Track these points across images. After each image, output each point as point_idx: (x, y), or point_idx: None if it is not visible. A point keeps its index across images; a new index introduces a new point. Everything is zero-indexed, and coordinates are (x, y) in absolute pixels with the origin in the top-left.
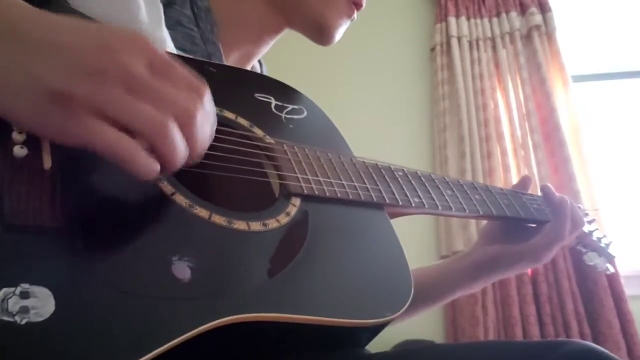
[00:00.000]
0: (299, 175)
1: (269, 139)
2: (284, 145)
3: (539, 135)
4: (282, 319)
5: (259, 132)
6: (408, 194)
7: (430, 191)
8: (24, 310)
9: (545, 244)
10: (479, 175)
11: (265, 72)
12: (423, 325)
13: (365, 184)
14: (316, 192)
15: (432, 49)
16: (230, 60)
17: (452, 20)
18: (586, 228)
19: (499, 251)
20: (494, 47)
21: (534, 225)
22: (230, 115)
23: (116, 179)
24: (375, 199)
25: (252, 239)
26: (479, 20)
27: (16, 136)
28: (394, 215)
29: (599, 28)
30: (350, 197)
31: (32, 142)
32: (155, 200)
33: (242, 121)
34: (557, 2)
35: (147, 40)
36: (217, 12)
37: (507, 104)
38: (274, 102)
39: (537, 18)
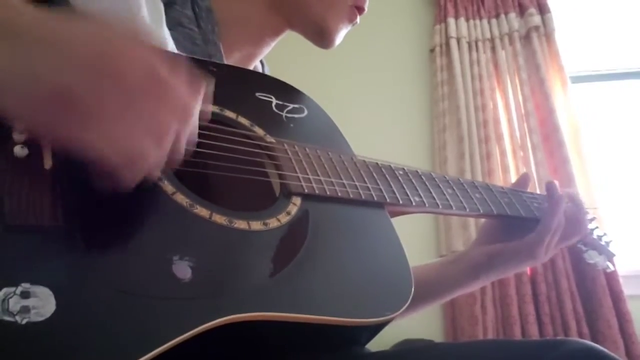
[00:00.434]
0: (300, 175)
1: (269, 138)
2: (285, 145)
3: (538, 135)
4: (282, 318)
5: (259, 131)
6: (409, 192)
7: (431, 190)
8: (25, 310)
9: (537, 238)
10: (478, 176)
11: (267, 73)
12: (422, 324)
13: (365, 182)
14: (317, 191)
15: (432, 50)
16: (231, 60)
17: (451, 21)
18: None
19: (496, 250)
20: (493, 48)
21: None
22: (231, 114)
23: None
24: (375, 198)
25: (253, 239)
26: (478, 21)
27: (17, 136)
28: (395, 214)
29: (598, 29)
30: (351, 196)
31: (33, 142)
32: (156, 200)
33: (243, 120)
34: (556, 3)
35: (147, 46)
36: (218, 13)
37: (506, 105)
38: (274, 101)
39: (536, 19)
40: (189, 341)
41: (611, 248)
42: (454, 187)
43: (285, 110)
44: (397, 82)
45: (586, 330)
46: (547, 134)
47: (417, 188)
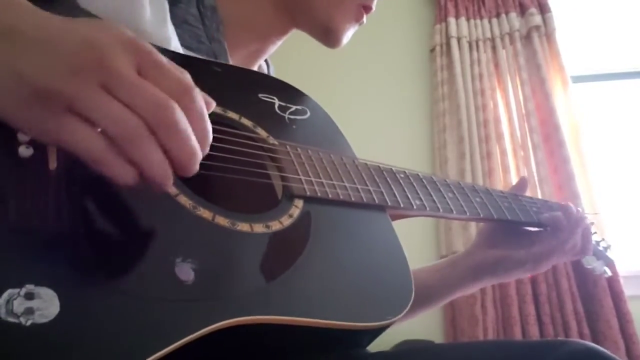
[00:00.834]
0: (302, 177)
1: (272, 140)
2: (287, 147)
3: (538, 135)
4: (284, 322)
5: (262, 132)
6: (410, 196)
7: (432, 193)
8: (29, 311)
9: (547, 254)
10: (479, 176)
11: (272, 73)
12: (422, 325)
13: (367, 186)
14: (319, 194)
15: (432, 50)
16: (236, 59)
17: (451, 20)
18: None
19: (501, 256)
20: (494, 48)
21: (532, 228)
22: (233, 115)
23: None
24: (377, 201)
25: (255, 241)
26: (478, 21)
27: (21, 136)
28: (396, 217)
29: (599, 29)
30: (353, 199)
31: (38, 142)
32: (159, 201)
33: (246, 122)
34: (557, 2)
35: (136, 40)
36: (223, 11)
37: (507, 105)
38: (277, 103)
39: (537, 19)
40: (192, 343)
41: (609, 253)
42: (455, 191)
43: (287, 112)
44: (397, 81)
45: (587, 331)
46: (547, 133)
47: (418, 191)
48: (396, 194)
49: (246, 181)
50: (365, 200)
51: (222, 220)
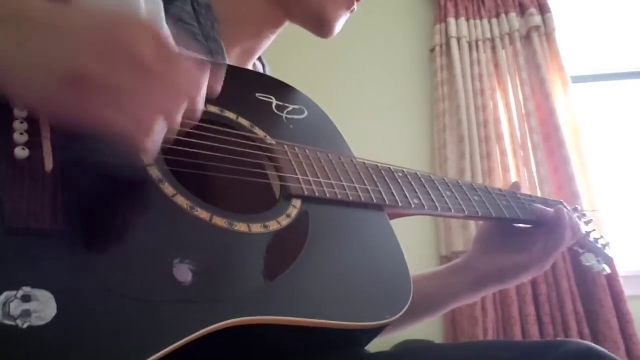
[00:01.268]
0: (300, 177)
1: (270, 140)
2: (285, 146)
3: (538, 135)
4: (283, 322)
5: (260, 132)
6: (408, 195)
7: (430, 192)
8: (26, 314)
9: (547, 254)
10: (479, 176)
11: (268, 73)
12: (423, 325)
13: (365, 185)
14: (317, 194)
15: (432, 50)
16: (232, 56)
17: (451, 21)
18: (583, 229)
19: (505, 263)
20: (494, 48)
21: (529, 225)
22: (231, 115)
23: (117, 181)
24: (375, 201)
25: (253, 241)
26: (478, 21)
27: (18, 138)
28: (394, 216)
29: (599, 29)
30: (351, 198)
31: (34, 144)
32: (156, 202)
33: (243, 122)
34: (557, 3)
35: (155, 27)
36: (217, 8)
37: (507, 105)
38: (275, 102)
39: (537, 19)
40: (190, 345)
41: (608, 251)
42: (453, 190)
43: (285, 112)
44: (398, 82)
45: (587, 331)
46: (547, 134)
47: (417, 190)
48: (394, 193)
49: (244, 181)
50: (363, 199)
51: (219, 221)
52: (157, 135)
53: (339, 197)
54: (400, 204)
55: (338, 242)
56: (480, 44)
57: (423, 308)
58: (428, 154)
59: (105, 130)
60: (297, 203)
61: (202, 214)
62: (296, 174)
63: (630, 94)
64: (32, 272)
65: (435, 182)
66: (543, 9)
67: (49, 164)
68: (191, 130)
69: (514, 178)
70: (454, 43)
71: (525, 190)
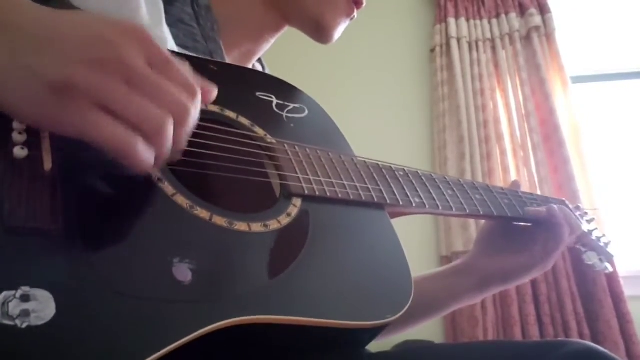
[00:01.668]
0: (300, 176)
1: (270, 139)
2: (285, 145)
3: (538, 136)
4: (283, 321)
5: (260, 131)
6: (409, 194)
7: (431, 191)
8: (25, 313)
9: (548, 253)
10: (479, 176)
11: (266, 71)
12: (423, 325)
13: (366, 184)
14: (317, 193)
15: (432, 50)
16: (231, 58)
17: (451, 21)
18: (585, 227)
19: (508, 263)
20: (494, 48)
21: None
22: (231, 114)
23: (116, 180)
24: (376, 199)
25: (253, 241)
26: (478, 22)
27: (17, 137)
28: (395, 215)
29: (598, 29)
30: (351, 197)
31: (33, 143)
32: (156, 202)
33: (243, 120)
34: (557, 3)
35: (146, 33)
36: (217, 10)
37: (507, 105)
38: (275, 101)
39: (537, 19)
40: (190, 344)
41: (610, 249)
42: (454, 188)
43: (285, 110)
44: (398, 82)
45: (587, 331)
46: (547, 134)
47: (418, 189)
48: (395, 191)
49: (244, 180)
50: (364, 198)
51: (219, 220)
52: (154, 144)
53: (340, 195)
54: (401, 203)
55: (339, 241)
56: (480, 44)
57: (425, 309)
58: (428, 154)
59: (98, 142)
60: (298, 202)
61: (202, 213)
62: (296, 173)
63: (630, 94)
64: (31, 272)
65: (437, 180)
66: (543, 9)
67: (47, 163)
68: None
69: (514, 178)
70: (454, 43)
71: (525, 190)
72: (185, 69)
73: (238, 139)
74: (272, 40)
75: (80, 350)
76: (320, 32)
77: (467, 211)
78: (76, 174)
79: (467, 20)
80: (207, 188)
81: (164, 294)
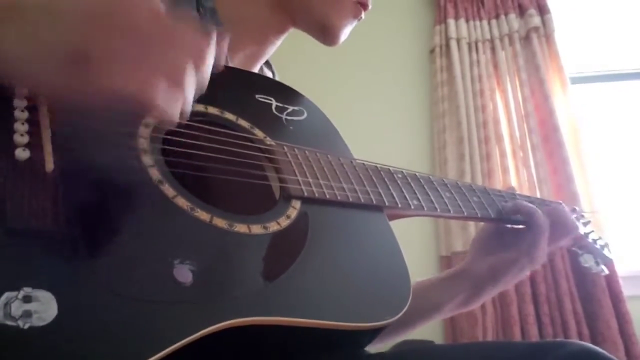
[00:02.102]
0: (300, 178)
1: (269, 141)
2: (285, 147)
3: (537, 136)
4: (282, 323)
5: (259, 133)
6: (407, 196)
7: (429, 194)
8: (27, 314)
9: (534, 245)
10: (478, 177)
11: (277, 77)
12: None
13: (365, 186)
14: (316, 195)
15: (431, 51)
16: (236, 60)
17: (451, 22)
18: (582, 230)
19: (496, 261)
20: (493, 49)
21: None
22: (231, 116)
23: (118, 182)
24: (374, 202)
25: (253, 242)
26: (477, 22)
27: (18, 139)
28: (394, 217)
29: (598, 30)
30: (350, 199)
31: (35, 145)
32: (157, 203)
33: (243, 123)
34: (556, 3)
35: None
36: (221, 13)
37: (506, 106)
38: (274, 104)
39: (536, 20)
40: (190, 345)
41: (606, 252)
42: (452, 191)
43: (285, 113)
44: (397, 82)
45: (586, 331)
46: (546, 134)
47: (416, 192)
48: (394, 194)
49: (244, 182)
50: (362, 200)
51: (219, 222)
52: (170, 93)
53: (339, 198)
54: (399, 205)
55: (337, 243)
56: (480, 44)
57: (422, 314)
58: (427, 154)
59: (116, 99)
60: (297, 204)
61: (202, 214)
62: (296, 175)
63: (630, 94)
64: (33, 273)
65: (434, 183)
66: (542, 10)
67: (49, 165)
68: (192, 132)
69: (513, 178)
70: (453, 44)
71: (525, 191)
72: (192, 29)
73: (237, 141)
74: (278, 43)
75: (82, 351)
76: (326, 34)
77: (465, 214)
78: (78, 176)
79: (467, 21)
80: (207, 190)
81: (165, 295)
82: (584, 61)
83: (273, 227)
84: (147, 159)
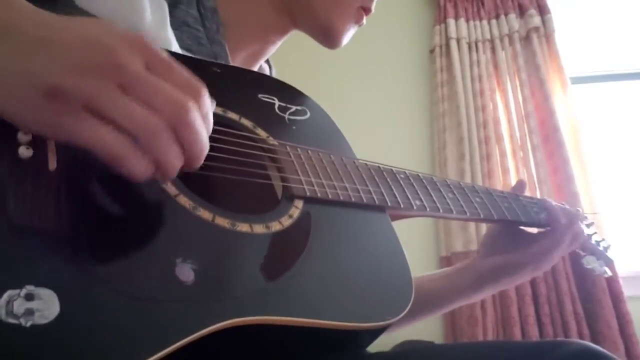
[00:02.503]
0: (302, 178)
1: (272, 141)
2: (287, 147)
3: (537, 136)
4: (284, 322)
5: (262, 133)
6: (410, 196)
7: (432, 194)
8: (29, 312)
9: (545, 252)
10: (478, 177)
11: (275, 75)
12: (422, 325)
13: (367, 186)
14: (319, 195)
15: (432, 51)
16: (237, 60)
17: (451, 22)
18: (585, 231)
19: (501, 261)
20: (493, 49)
21: (533, 229)
22: (234, 116)
23: (121, 180)
24: (377, 202)
25: (255, 242)
26: (477, 22)
27: (21, 137)
28: (396, 217)
29: (598, 30)
30: (353, 199)
31: (38, 143)
32: (159, 202)
33: (246, 122)
34: (556, 4)
35: (144, 38)
36: (223, 12)
37: (506, 106)
38: (277, 103)
39: (536, 20)
40: (192, 344)
41: (609, 253)
42: (455, 191)
43: (287, 112)
44: (397, 82)
45: (586, 331)
46: (546, 134)
47: (419, 192)
48: (396, 194)
49: (246, 182)
50: (365, 200)
51: (222, 221)
52: (151, 150)
53: (341, 198)
54: (402, 205)
55: (340, 243)
56: (480, 44)
57: (423, 307)
58: (427, 155)
59: (89, 148)
60: (299, 204)
61: (205, 214)
62: (298, 175)
63: (630, 94)
64: (36, 271)
65: (437, 183)
66: (542, 10)
67: (52, 163)
68: None
69: (513, 179)
70: (453, 44)
71: (525, 191)
72: (187, 71)
73: (240, 141)
74: (279, 43)
75: (83, 349)
76: (328, 37)
77: (468, 214)
78: (81, 174)
79: (467, 21)
80: (210, 189)
81: (167, 294)
82: (584, 61)
83: (275, 226)
84: None
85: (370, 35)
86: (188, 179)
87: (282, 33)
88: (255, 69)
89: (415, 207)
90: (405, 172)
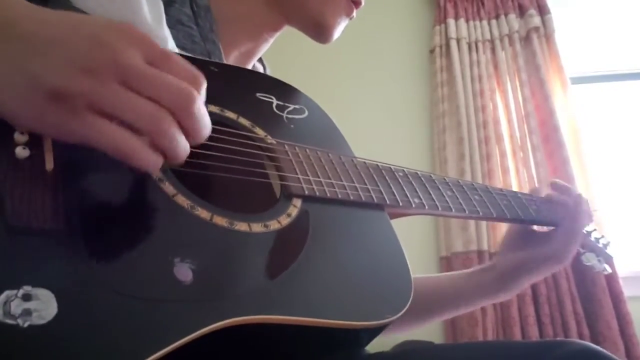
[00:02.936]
0: (300, 176)
1: (270, 140)
2: (286, 146)
3: (537, 136)
4: (283, 321)
5: (260, 132)
6: (408, 194)
7: (431, 192)
8: (27, 312)
9: (566, 243)
10: (478, 177)
11: (269, 73)
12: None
13: (366, 184)
14: (317, 193)
15: (431, 51)
16: (230, 58)
17: (451, 22)
18: (585, 228)
19: (522, 258)
20: (493, 49)
21: (545, 228)
22: (231, 115)
23: (118, 180)
24: (375, 200)
25: (254, 241)
26: (477, 22)
27: (18, 137)
28: (395, 215)
29: (598, 30)
30: (351, 198)
31: (35, 143)
32: (157, 202)
33: (244, 121)
34: (556, 4)
35: (142, 33)
36: (216, 11)
37: (506, 106)
38: (275, 102)
39: (536, 20)
40: (190, 344)
41: (609, 250)
42: (454, 189)
43: (285, 111)
44: (397, 82)
45: (586, 332)
46: (547, 134)
47: (417, 190)
48: (395, 192)
49: (244, 181)
50: (363, 199)
51: (220, 220)
52: (159, 142)
53: (340, 196)
54: (400, 204)
55: (338, 241)
56: (480, 45)
57: (445, 305)
58: (427, 155)
59: (99, 147)
60: (298, 202)
61: (203, 213)
62: (296, 174)
63: (630, 94)
64: (33, 271)
65: (436, 181)
66: (542, 10)
67: (49, 164)
68: None
69: (513, 179)
70: (453, 44)
71: (525, 191)
72: (185, 61)
73: (238, 140)
74: (271, 40)
75: (81, 350)
76: (320, 31)
77: (466, 212)
78: (78, 174)
79: (467, 21)
80: (208, 188)
81: (165, 293)
82: (584, 61)
83: (274, 225)
84: None
85: (370, 35)
86: (186, 178)
87: (274, 29)
88: (249, 67)
89: (413, 205)
90: (403, 170)
